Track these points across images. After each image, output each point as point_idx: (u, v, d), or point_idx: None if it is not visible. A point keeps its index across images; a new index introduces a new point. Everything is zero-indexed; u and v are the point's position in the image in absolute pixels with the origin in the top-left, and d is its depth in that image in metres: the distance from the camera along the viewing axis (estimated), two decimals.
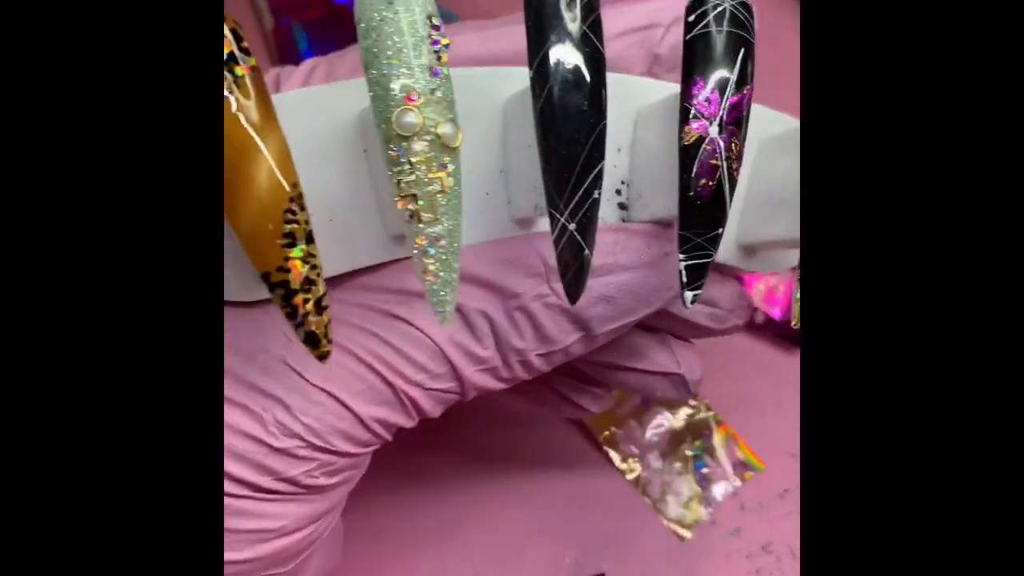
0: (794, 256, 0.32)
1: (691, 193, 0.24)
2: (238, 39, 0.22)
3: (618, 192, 0.29)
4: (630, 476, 0.47)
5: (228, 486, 0.27)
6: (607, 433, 0.48)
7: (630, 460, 0.48)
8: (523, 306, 0.28)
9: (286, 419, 0.27)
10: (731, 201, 0.25)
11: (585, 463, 0.48)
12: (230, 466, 0.27)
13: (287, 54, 0.53)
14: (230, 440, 0.27)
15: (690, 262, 0.25)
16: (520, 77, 0.28)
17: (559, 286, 0.27)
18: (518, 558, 0.44)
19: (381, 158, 0.27)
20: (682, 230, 0.25)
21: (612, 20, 0.31)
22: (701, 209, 0.24)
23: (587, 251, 0.24)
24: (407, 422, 0.29)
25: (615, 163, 0.29)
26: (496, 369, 0.29)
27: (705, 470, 0.48)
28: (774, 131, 0.30)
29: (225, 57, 0.22)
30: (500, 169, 0.28)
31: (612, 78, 0.28)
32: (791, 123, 0.30)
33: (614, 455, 0.48)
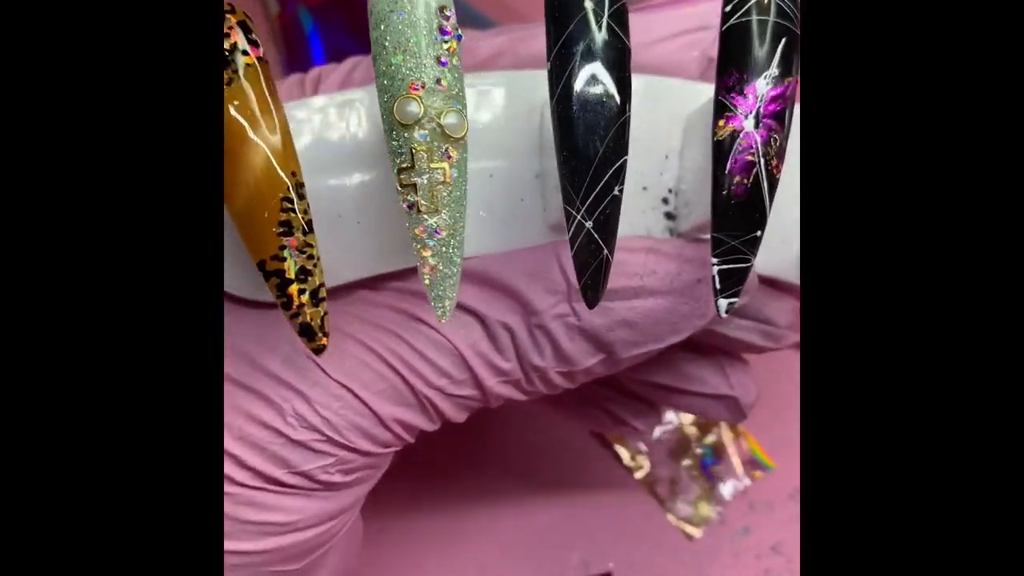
0: None
1: (724, 191, 0.23)
2: (246, 30, 0.22)
3: (665, 201, 0.28)
4: (638, 474, 0.47)
5: (242, 475, 0.27)
6: None
7: (638, 457, 0.47)
8: (543, 324, 0.27)
9: (305, 411, 0.27)
10: (771, 202, 0.23)
11: (593, 461, 0.47)
12: (245, 455, 0.27)
13: (293, 39, 0.52)
14: (247, 428, 0.27)
15: (724, 267, 0.23)
16: None
17: (580, 306, 0.27)
18: (524, 556, 0.44)
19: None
20: (715, 232, 0.23)
21: (664, 23, 0.30)
22: (736, 209, 0.23)
23: (606, 251, 0.22)
24: (428, 425, 0.29)
25: (661, 171, 0.28)
26: (518, 382, 0.29)
27: (714, 468, 0.47)
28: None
29: (230, 47, 0.22)
30: (536, 174, 0.28)
31: (660, 82, 0.27)
32: None
33: (623, 452, 0.47)
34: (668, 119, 0.28)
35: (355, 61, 0.31)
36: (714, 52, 0.29)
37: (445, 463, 0.47)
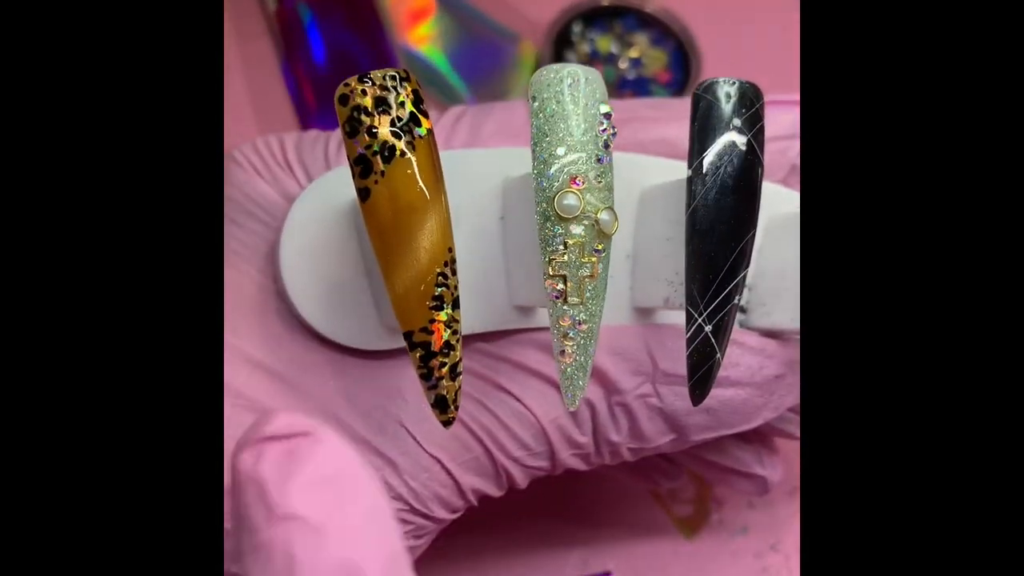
0: None
1: None
2: (418, 100, 0.22)
3: (740, 295, 0.30)
4: None
5: None
6: None
7: None
8: (625, 403, 0.28)
9: (394, 481, 0.27)
10: None
11: None
12: None
13: (292, 34, 0.51)
14: None
15: None
16: (658, 167, 0.29)
17: (663, 388, 0.28)
18: (523, 556, 0.43)
19: (519, 229, 0.27)
20: None
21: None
22: None
23: (719, 355, 0.24)
24: (497, 492, 0.29)
25: None
26: (588, 455, 0.29)
27: None
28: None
29: (407, 118, 0.22)
30: (627, 255, 0.29)
31: None
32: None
33: None
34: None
35: (459, 112, 0.31)
36: (799, 161, 0.31)
37: None
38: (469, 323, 0.27)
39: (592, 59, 0.50)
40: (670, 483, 0.38)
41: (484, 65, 0.50)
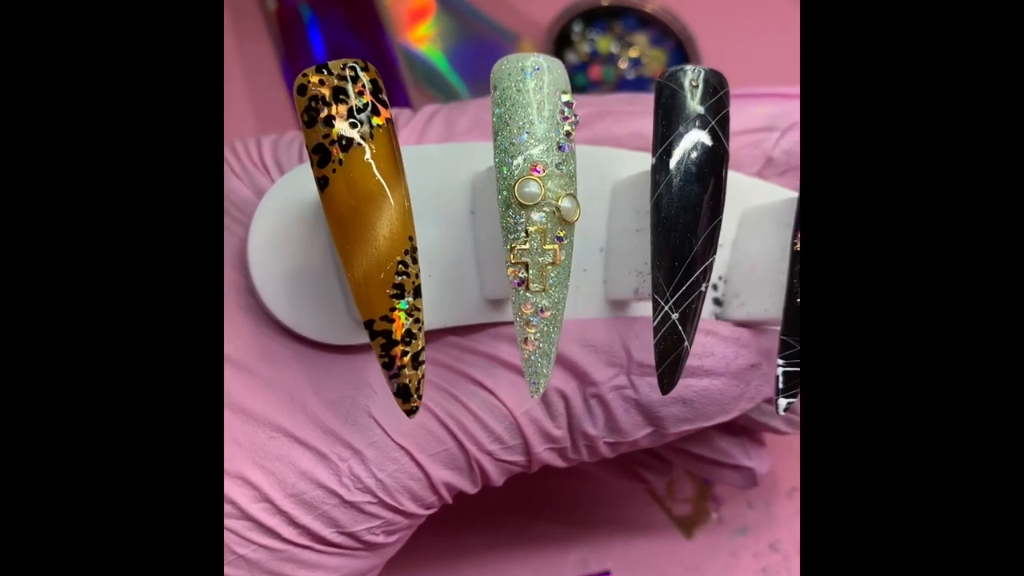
0: None
1: (799, 299, 0.25)
2: (377, 89, 0.22)
3: (714, 287, 0.30)
4: None
5: (289, 532, 0.26)
6: None
7: None
8: (600, 395, 0.28)
9: (361, 472, 0.27)
10: None
11: None
12: (297, 513, 0.26)
13: (292, 34, 0.51)
14: (300, 485, 0.26)
15: (789, 368, 0.25)
16: (633, 160, 0.29)
17: (638, 380, 0.28)
18: (522, 556, 0.44)
19: (489, 223, 0.27)
20: (784, 335, 0.25)
21: (735, 119, 0.30)
22: None
23: (686, 343, 0.24)
24: (471, 488, 0.29)
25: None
26: (565, 450, 0.29)
27: None
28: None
29: (363, 106, 0.22)
30: (600, 248, 0.29)
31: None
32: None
33: None
34: (724, 211, 0.29)
35: (432, 109, 0.31)
36: (775, 153, 0.31)
37: None
38: (441, 317, 0.27)
39: (592, 59, 0.50)
40: (660, 479, 0.38)
41: (484, 65, 0.50)
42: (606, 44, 0.50)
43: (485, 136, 0.29)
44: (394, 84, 0.48)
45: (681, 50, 0.50)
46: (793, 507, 0.45)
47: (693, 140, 0.24)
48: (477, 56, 0.51)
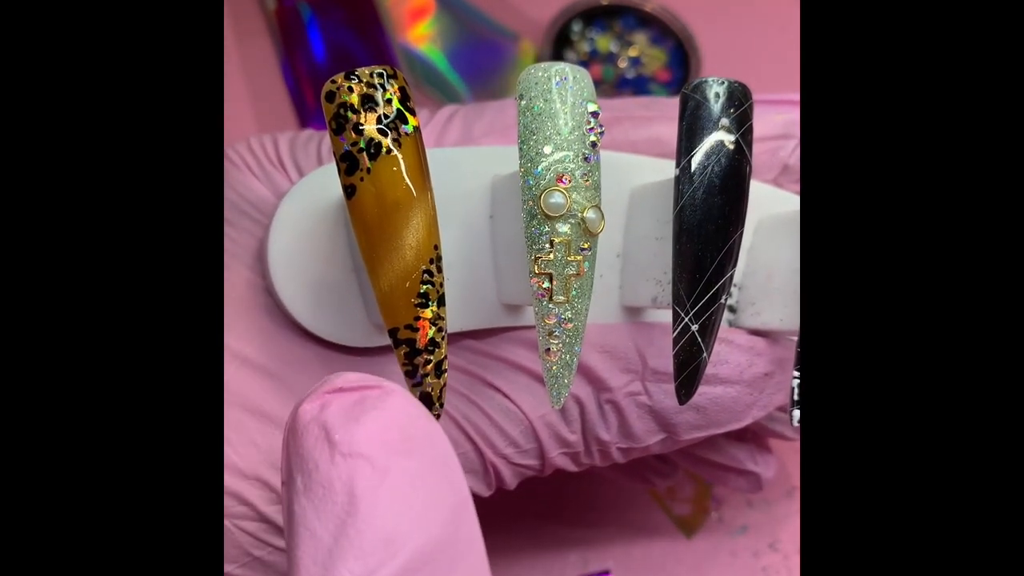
0: None
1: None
2: (405, 97, 0.22)
3: (729, 294, 0.30)
4: None
5: None
6: None
7: None
8: (614, 400, 0.28)
9: None
10: None
11: None
12: None
13: (292, 34, 0.51)
14: None
15: None
16: (652, 167, 0.29)
17: (653, 386, 0.28)
18: (523, 555, 0.44)
19: (508, 228, 0.27)
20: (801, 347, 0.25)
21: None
22: None
23: (705, 354, 0.24)
24: (485, 491, 0.29)
25: None
26: (578, 455, 0.29)
27: None
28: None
29: (393, 114, 0.22)
30: (617, 253, 0.29)
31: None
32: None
33: None
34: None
35: (451, 111, 0.31)
36: (791, 160, 0.31)
37: None
38: (458, 321, 0.27)
39: (592, 58, 0.50)
40: (665, 482, 0.38)
41: (483, 64, 0.50)
42: (606, 43, 0.50)
43: (503, 139, 0.29)
44: None
45: (681, 49, 0.50)
46: (793, 507, 0.45)
47: (717, 152, 0.24)
48: (476, 55, 0.51)
